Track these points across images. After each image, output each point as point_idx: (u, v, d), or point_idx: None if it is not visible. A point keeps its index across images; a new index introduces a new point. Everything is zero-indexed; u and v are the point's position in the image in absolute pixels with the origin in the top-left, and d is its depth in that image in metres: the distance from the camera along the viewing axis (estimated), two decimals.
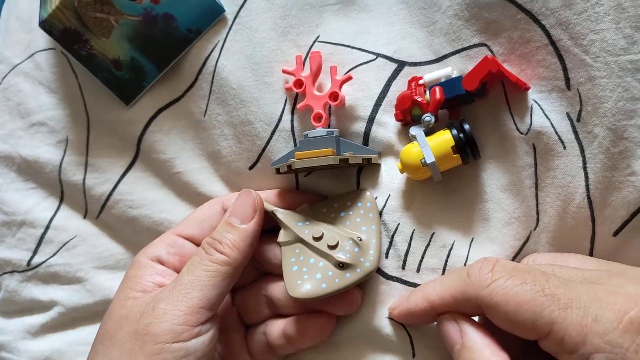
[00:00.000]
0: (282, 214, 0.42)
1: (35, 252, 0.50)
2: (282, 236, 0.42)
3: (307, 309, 0.42)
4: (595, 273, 0.34)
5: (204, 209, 0.44)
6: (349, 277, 0.39)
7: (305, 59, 0.43)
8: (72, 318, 0.49)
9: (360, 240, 0.40)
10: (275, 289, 0.42)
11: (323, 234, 0.40)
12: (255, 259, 0.43)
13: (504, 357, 0.33)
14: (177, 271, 0.40)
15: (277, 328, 0.42)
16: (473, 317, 0.36)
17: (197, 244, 0.42)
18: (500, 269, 0.33)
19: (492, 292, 0.33)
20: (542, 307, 0.31)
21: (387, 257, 0.42)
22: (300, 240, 0.41)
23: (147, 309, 0.37)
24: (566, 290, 0.32)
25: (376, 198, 0.42)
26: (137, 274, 0.40)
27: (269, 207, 0.42)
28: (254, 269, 0.44)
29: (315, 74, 0.42)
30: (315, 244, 0.40)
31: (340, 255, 0.39)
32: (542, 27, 0.38)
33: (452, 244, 0.41)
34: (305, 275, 0.39)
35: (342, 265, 0.39)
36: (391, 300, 0.41)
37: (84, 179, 0.49)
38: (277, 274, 0.42)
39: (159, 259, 0.41)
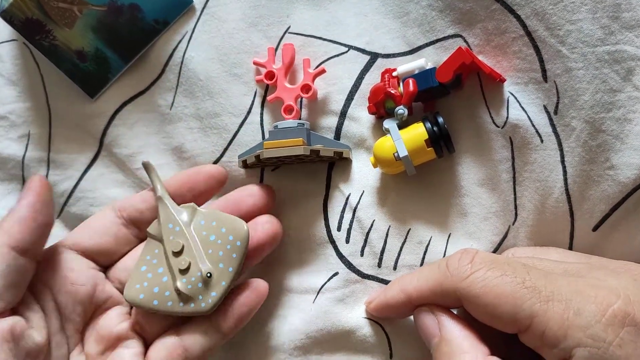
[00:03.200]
0: (163, 206, 0.39)
1: None
2: (153, 228, 0.39)
3: None
4: (576, 266, 0.33)
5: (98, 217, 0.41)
6: (180, 307, 0.37)
7: (277, 50, 0.42)
8: None
9: (210, 276, 0.37)
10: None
11: (182, 250, 0.38)
12: None
13: (484, 350, 0.32)
14: None
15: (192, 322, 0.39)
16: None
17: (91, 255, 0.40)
18: (479, 260, 0.33)
19: (471, 284, 0.32)
20: (523, 300, 0.30)
21: (362, 255, 0.41)
22: (162, 242, 0.39)
23: None
24: (547, 282, 0.31)
25: (349, 195, 0.41)
26: None
27: (161, 192, 0.39)
28: None
29: (288, 66, 0.41)
30: (171, 257, 0.38)
31: (183, 282, 0.37)
32: (518, 17, 0.37)
33: (429, 240, 0.40)
34: (145, 282, 0.38)
35: (179, 293, 0.37)
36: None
37: (46, 175, 0.47)
38: None
39: None
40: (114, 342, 0.38)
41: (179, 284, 0.37)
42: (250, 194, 0.40)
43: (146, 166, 0.40)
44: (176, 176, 0.41)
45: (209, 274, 0.37)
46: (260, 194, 0.40)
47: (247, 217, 0.39)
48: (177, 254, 0.38)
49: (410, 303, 0.35)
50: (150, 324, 0.39)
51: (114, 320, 0.38)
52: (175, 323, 0.39)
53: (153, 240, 0.39)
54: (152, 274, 0.38)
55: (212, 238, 0.38)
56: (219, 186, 0.41)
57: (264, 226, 0.39)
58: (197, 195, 0.40)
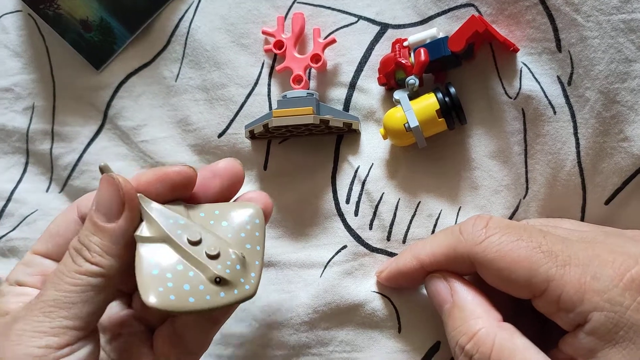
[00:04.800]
0: (149, 204, 0.33)
1: None
2: (142, 230, 0.32)
3: None
4: (591, 233, 0.33)
5: (58, 219, 0.36)
6: (222, 297, 0.31)
7: (285, 20, 0.41)
8: None
9: (244, 257, 0.33)
10: None
11: (202, 238, 0.32)
12: None
13: (496, 316, 0.32)
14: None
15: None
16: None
17: (56, 261, 0.35)
18: (494, 225, 0.32)
19: (486, 249, 0.31)
20: (539, 264, 0.30)
21: (370, 228, 0.40)
22: (167, 241, 0.32)
23: (4, 331, 0.31)
24: (564, 247, 0.30)
25: (358, 167, 0.40)
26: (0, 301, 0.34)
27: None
28: None
29: (298, 36, 0.41)
30: (190, 248, 0.32)
31: (219, 268, 0.31)
32: None
33: (439, 213, 0.39)
34: (169, 283, 0.31)
35: (218, 281, 0.31)
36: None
37: (51, 148, 0.47)
38: None
39: (18, 282, 0.35)
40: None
41: (219, 268, 0.32)
42: (214, 174, 0.36)
43: (103, 169, 0.34)
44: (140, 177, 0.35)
45: (242, 255, 0.33)
46: (225, 171, 0.35)
47: None
48: (196, 243, 0.32)
49: (422, 270, 0.35)
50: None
51: (115, 309, 0.36)
52: None
53: (148, 243, 0.32)
54: (172, 274, 0.31)
55: (225, 224, 0.34)
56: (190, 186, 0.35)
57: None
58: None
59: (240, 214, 0.34)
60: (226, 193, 0.35)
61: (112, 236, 0.31)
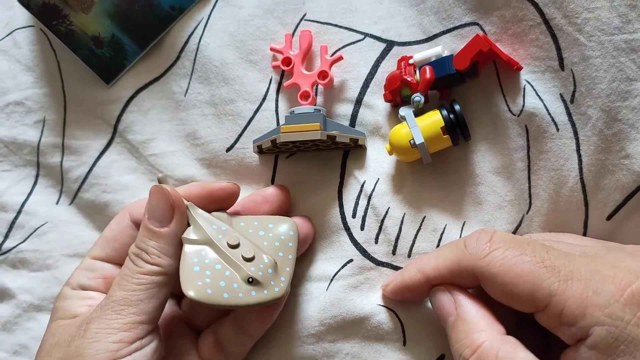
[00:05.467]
0: (196, 211, 0.38)
1: (6, 237, 0.48)
2: (189, 233, 0.37)
3: None
4: (593, 248, 0.34)
5: (113, 225, 0.40)
6: (253, 296, 0.35)
7: (293, 37, 0.42)
8: (38, 307, 0.48)
9: (276, 263, 0.37)
10: None
11: (240, 243, 0.37)
12: None
13: (500, 329, 0.32)
14: (105, 293, 0.38)
15: (226, 320, 0.40)
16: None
17: (116, 264, 0.40)
18: (498, 239, 0.33)
19: (490, 263, 0.32)
20: (542, 279, 0.30)
21: (376, 242, 0.41)
22: (209, 243, 0.37)
23: (79, 332, 0.34)
24: (566, 262, 0.31)
25: (364, 182, 0.41)
26: (64, 305, 0.38)
27: (185, 201, 0.38)
28: None
29: (305, 53, 0.41)
30: (229, 251, 0.36)
31: (253, 270, 0.36)
32: (535, 5, 0.37)
33: (444, 228, 0.40)
34: (207, 279, 0.35)
35: (250, 281, 0.36)
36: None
37: (61, 161, 0.47)
38: None
39: (82, 286, 0.39)
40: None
41: (252, 270, 0.36)
42: (265, 199, 0.41)
43: (162, 181, 0.39)
44: (190, 190, 0.40)
45: (274, 261, 0.37)
46: (275, 197, 0.41)
47: None
48: (235, 247, 0.37)
49: (427, 283, 0.36)
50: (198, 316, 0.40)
51: (167, 310, 0.39)
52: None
53: (193, 245, 0.37)
54: (210, 272, 0.36)
55: (262, 233, 0.38)
56: (232, 200, 0.40)
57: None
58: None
59: (276, 226, 0.39)
60: None
61: (167, 238, 0.36)
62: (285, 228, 0.39)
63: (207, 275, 0.35)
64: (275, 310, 0.39)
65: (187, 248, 0.37)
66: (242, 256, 0.36)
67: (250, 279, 0.35)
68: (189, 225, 0.37)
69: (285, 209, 0.41)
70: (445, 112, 0.38)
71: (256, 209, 0.41)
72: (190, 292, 0.34)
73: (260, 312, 0.38)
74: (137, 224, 0.39)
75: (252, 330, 0.39)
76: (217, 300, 0.35)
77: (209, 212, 0.38)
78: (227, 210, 0.40)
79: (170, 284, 0.36)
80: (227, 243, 0.36)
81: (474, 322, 0.33)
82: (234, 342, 0.39)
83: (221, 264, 0.36)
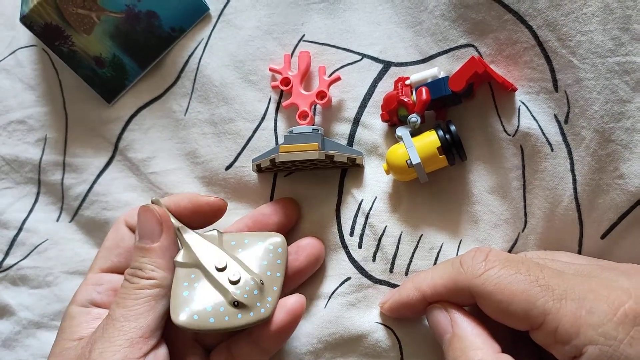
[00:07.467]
0: (187, 234, 0.39)
1: (7, 254, 0.48)
2: (181, 256, 0.38)
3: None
4: (587, 267, 0.34)
5: (110, 236, 0.41)
6: (239, 319, 0.36)
7: (292, 57, 0.43)
8: (37, 324, 0.48)
9: (262, 283, 0.37)
10: None
11: (227, 265, 0.37)
12: None
13: (495, 347, 0.33)
14: None
15: (241, 336, 0.39)
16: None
17: (121, 273, 0.39)
18: (493, 258, 0.33)
19: (485, 281, 0.32)
20: (536, 298, 0.31)
21: (374, 260, 0.41)
22: (199, 266, 0.38)
23: (83, 353, 0.35)
24: (560, 281, 0.31)
25: (362, 201, 0.42)
26: (71, 325, 0.38)
27: (176, 223, 0.39)
28: None
29: (303, 73, 0.42)
30: (216, 274, 0.37)
31: (238, 293, 0.36)
32: (529, 28, 0.38)
33: (441, 246, 0.40)
34: (195, 304, 0.36)
35: (236, 304, 0.36)
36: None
37: (62, 179, 0.48)
38: None
39: (93, 302, 0.39)
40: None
41: (235, 295, 0.36)
42: (274, 211, 0.42)
43: (155, 203, 0.39)
44: (179, 202, 0.40)
45: (261, 281, 0.37)
46: (282, 210, 0.42)
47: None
48: (222, 270, 0.37)
49: (424, 300, 0.36)
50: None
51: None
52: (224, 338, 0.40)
53: (184, 268, 0.38)
54: (197, 296, 0.37)
55: (250, 252, 0.39)
56: (219, 215, 0.41)
57: (306, 249, 0.41)
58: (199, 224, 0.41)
59: (265, 244, 0.39)
60: (307, 270, 0.41)
61: (158, 252, 0.37)
62: (273, 245, 0.39)
63: (194, 301, 0.36)
64: (292, 325, 0.38)
65: (179, 271, 0.38)
66: (229, 279, 0.37)
67: (236, 302, 0.36)
68: (181, 247, 0.39)
69: (319, 261, 0.42)
70: (441, 133, 0.38)
71: (264, 223, 0.41)
72: (176, 319, 0.36)
73: (278, 328, 0.38)
74: (133, 229, 0.40)
75: (268, 346, 0.39)
76: (203, 326, 0.36)
77: (199, 227, 0.40)
78: (236, 220, 0.42)
79: (167, 295, 0.37)
80: (215, 266, 0.37)
81: (470, 340, 0.33)
82: (248, 358, 0.39)
83: (209, 288, 0.37)
